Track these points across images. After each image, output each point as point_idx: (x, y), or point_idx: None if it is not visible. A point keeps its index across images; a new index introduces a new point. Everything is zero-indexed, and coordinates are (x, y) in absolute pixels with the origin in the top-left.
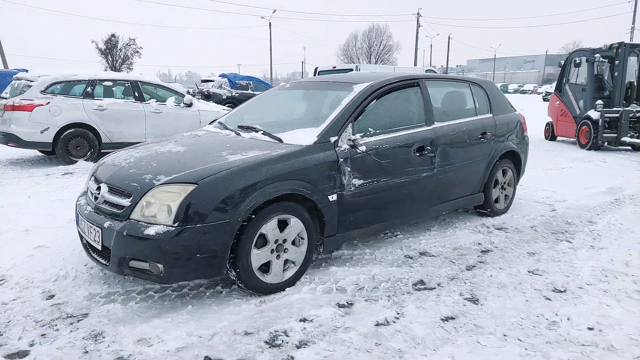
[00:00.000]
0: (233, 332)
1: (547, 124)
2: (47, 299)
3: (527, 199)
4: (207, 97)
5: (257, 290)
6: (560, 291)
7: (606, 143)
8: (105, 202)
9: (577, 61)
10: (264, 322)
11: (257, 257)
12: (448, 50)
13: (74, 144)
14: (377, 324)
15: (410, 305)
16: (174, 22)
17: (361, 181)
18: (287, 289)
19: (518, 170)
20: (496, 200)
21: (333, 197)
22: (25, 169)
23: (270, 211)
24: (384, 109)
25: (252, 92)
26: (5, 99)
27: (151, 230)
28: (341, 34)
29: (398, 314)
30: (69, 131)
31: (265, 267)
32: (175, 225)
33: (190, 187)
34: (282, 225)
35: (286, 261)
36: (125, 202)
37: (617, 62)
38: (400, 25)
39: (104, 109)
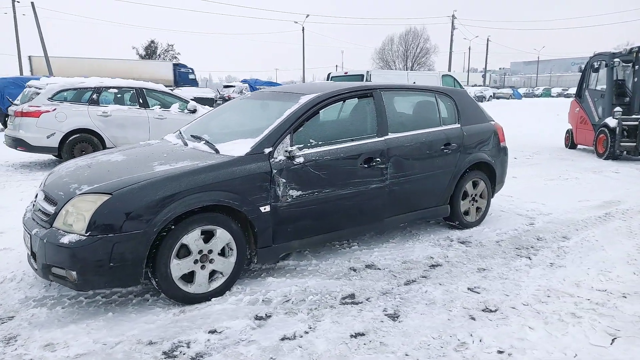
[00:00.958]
0: (138, 341)
1: (567, 131)
2: None
3: (510, 211)
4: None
5: (178, 299)
6: (490, 311)
7: (625, 152)
8: (39, 209)
9: (596, 66)
10: (173, 332)
11: (178, 267)
12: (487, 52)
13: (79, 148)
14: (283, 338)
15: (327, 319)
16: (212, 28)
17: (300, 192)
18: (213, 299)
19: (493, 182)
20: (466, 213)
21: (266, 209)
22: (32, 173)
23: (192, 222)
24: (329, 120)
25: None
26: (17, 105)
27: (66, 239)
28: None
29: (310, 328)
30: (74, 136)
31: (190, 277)
32: (87, 234)
33: (105, 198)
34: (210, 235)
35: (214, 272)
36: (51, 209)
37: (637, 67)
38: (439, 27)
39: (108, 115)
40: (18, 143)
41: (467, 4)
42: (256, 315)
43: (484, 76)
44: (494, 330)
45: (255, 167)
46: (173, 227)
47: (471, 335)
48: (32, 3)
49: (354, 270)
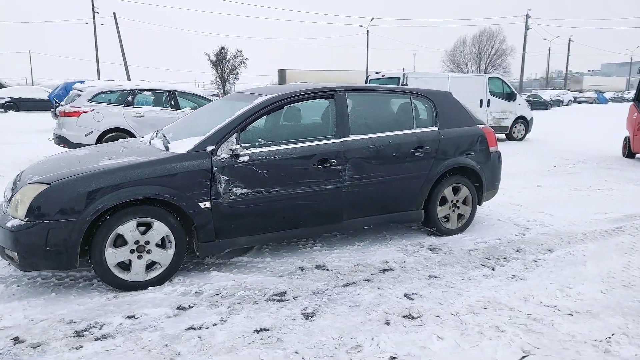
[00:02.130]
0: (60, 320)
1: (625, 139)
2: None
3: (508, 220)
4: None
5: (114, 285)
6: (412, 317)
7: None
8: (7, 197)
9: None
10: (95, 315)
11: (113, 255)
12: (568, 53)
13: None
14: (189, 328)
15: (242, 314)
16: (279, 34)
17: (245, 190)
18: (150, 287)
19: (479, 188)
20: (446, 219)
21: (206, 204)
22: None
23: (127, 213)
24: (282, 121)
25: None
26: (62, 106)
27: (10, 223)
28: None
29: (221, 320)
30: (109, 135)
31: (128, 265)
32: (26, 220)
33: (43, 187)
34: (148, 227)
35: (153, 262)
36: (9, 196)
37: None
38: (517, 28)
39: (141, 116)
40: (61, 140)
41: (547, 2)
42: (179, 306)
43: (564, 78)
44: (399, 337)
45: (195, 164)
46: (108, 217)
47: (372, 339)
48: (114, 13)
49: (302, 269)
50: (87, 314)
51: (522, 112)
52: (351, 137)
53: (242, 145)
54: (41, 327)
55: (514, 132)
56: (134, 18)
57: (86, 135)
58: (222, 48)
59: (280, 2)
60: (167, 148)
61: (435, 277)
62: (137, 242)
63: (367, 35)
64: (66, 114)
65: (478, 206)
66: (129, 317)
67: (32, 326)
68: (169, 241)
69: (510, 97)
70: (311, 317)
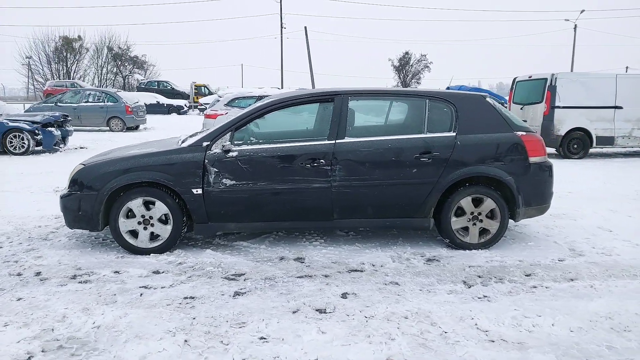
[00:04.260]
0: (74, 266)
1: None
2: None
3: (567, 243)
4: None
5: (125, 247)
6: (324, 312)
7: None
8: None
9: None
10: (97, 266)
11: (124, 224)
12: None
13: None
14: (142, 286)
15: (190, 284)
16: (462, 36)
17: (233, 182)
18: (152, 254)
19: (511, 202)
20: (464, 231)
21: (198, 191)
22: None
23: (135, 192)
24: (277, 121)
25: None
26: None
27: (62, 192)
28: None
29: (170, 285)
30: None
31: (137, 234)
32: (68, 190)
33: (80, 167)
34: (153, 205)
35: (157, 235)
36: None
37: None
38: None
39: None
40: None
41: None
42: (156, 270)
43: None
44: (288, 324)
45: (191, 157)
46: (122, 194)
47: (263, 320)
48: (305, 27)
49: (281, 259)
50: (93, 264)
51: None
52: (346, 140)
53: (235, 142)
54: (58, 269)
55: None
56: (318, 30)
57: None
58: (406, 53)
59: (462, 2)
60: (181, 143)
61: (396, 284)
62: (143, 216)
63: (575, 31)
64: (207, 116)
65: (514, 222)
66: (115, 272)
67: (55, 267)
68: (168, 218)
69: None
70: (238, 295)
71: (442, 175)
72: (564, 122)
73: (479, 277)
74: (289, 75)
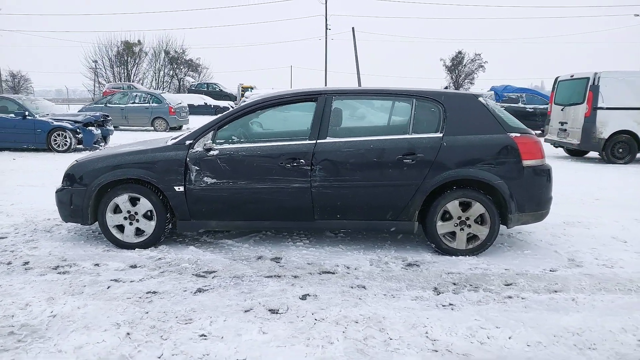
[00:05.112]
0: (61, 257)
1: None
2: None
3: (568, 253)
4: None
5: (112, 241)
6: (276, 312)
7: None
8: None
9: None
10: (81, 258)
11: (111, 219)
12: None
13: None
14: (114, 279)
15: (159, 279)
16: (517, 34)
17: (214, 180)
18: (137, 248)
19: (503, 207)
20: (452, 237)
21: (180, 189)
22: None
23: (121, 188)
24: (259, 121)
25: (522, 105)
26: None
27: (57, 187)
28: None
29: (140, 280)
30: None
31: (123, 228)
32: (62, 185)
33: (73, 163)
34: (138, 201)
35: (142, 230)
36: None
37: None
38: None
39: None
40: None
41: None
42: (134, 264)
43: None
44: (234, 322)
45: (173, 155)
46: (109, 190)
47: (211, 317)
48: (353, 28)
49: (259, 258)
50: (79, 257)
51: None
52: (327, 140)
53: (217, 141)
54: (45, 259)
55: None
56: (367, 30)
57: None
58: (459, 52)
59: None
60: (167, 141)
61: (363, 287)
62: (129, 212)
63: None
64: None
65: (507, 228)
66: (95, 265)
67: (45, 258)
68: (153, 215)
69: None
70: (200, 292)
71: (426, 178)
72: (607, 125)
73: (454, 284)
74: (336, 76)
